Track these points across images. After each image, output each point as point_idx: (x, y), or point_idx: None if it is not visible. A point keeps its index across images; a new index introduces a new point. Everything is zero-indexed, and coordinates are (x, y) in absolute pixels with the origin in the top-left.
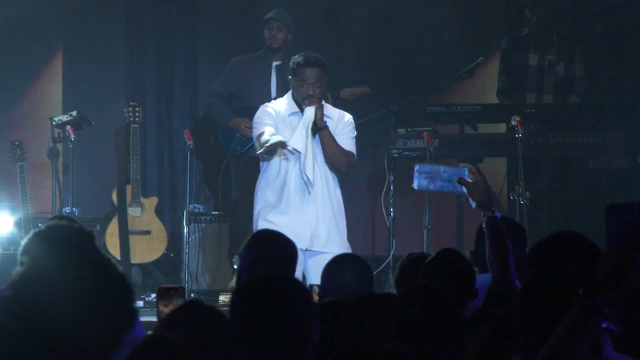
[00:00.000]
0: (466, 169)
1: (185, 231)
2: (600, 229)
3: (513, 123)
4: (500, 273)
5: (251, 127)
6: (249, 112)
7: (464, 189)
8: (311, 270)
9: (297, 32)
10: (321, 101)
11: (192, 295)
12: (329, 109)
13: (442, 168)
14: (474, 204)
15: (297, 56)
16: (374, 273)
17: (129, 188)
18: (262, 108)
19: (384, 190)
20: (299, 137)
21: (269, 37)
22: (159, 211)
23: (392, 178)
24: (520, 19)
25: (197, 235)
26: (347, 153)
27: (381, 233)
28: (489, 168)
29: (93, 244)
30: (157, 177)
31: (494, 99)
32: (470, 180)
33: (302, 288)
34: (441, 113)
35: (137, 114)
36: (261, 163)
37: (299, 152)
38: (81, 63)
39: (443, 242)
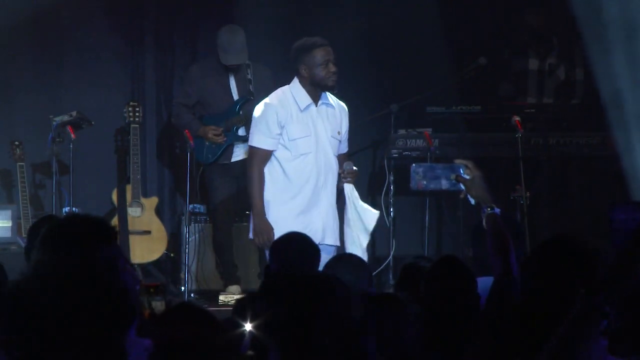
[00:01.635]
0: (462, 166)
1: (185, 231)
2: (600, 229)
3: (513, 123)
4: (502, 270)
5: (219, 134)
6: (215, 119)
7: (462, 186)
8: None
9: (295, 30)
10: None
11: (192, 295)
12: (329, 97)
13: (438, 166)
14: (472, 201)
15: (303, 39)
16: (374, 273)
17: (128, 188)
18: (267, 108)
19: (384, 190)
20: (355, 232)
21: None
22: (159, 211)
23: (392, 178)
24: (520, 24)
25: (197, 235)
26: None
27: (381, 233)
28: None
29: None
30: (157, 177)
31: (494, 100)
32: (467, 177)
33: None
34: (441, 113)
35: (137, 114)
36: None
37: None
38: (81, 63)
39: (443, 242)
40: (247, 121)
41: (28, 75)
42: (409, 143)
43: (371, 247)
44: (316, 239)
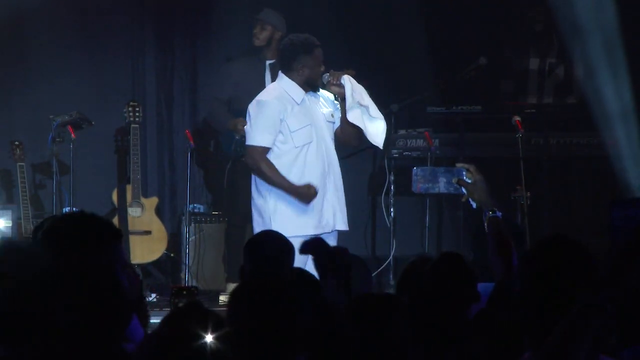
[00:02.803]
0: (464, 169)
1: (185, 231)
2: (600, 228)
3: (513, 123)
4: (504, 274)
5: None
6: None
7: (464, 190)
8: None
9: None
10: None
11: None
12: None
13: (440, 170)
14: (474, 204)
15: (301, 37)
16: (374, 274)
17: (129, 188)
18: (263, 104)
19: (384, 190)
20: (372, 105)
21: (253, 35)
22: (159, 211)
23: (392, 178)
24: (520, 23)
25: (197, 235)
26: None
27: (381, 233)
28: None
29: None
30: (158, 177)
31: (494, 100)
32: (469, 181)
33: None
34: (441, 113)
35: (137, 114)
36: (273, 152)
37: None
38: (81, 63)
39: (443, 242)
40: None
41: (28, 75)
42: (409, 143)
43: (371, 247)
44: (329, 226)
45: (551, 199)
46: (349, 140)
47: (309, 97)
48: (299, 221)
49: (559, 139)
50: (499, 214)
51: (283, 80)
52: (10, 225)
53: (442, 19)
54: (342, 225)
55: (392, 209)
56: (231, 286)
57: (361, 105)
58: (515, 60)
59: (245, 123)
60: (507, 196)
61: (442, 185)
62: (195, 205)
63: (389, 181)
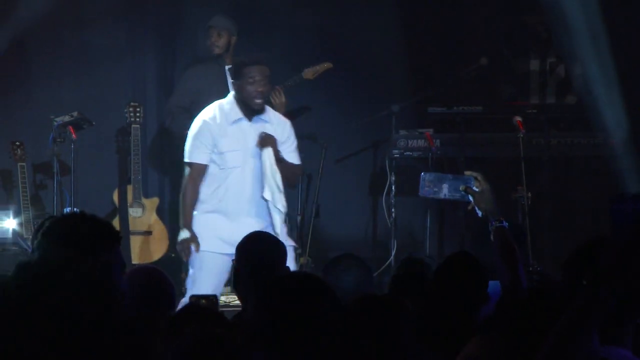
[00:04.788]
0: (472, 178)
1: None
2: (602, 228)
3: (514, 123)
4: (511, 282)
5: None
6: None
7: (470, 198)
8: None
9: (297, 33)
10: (266, 98)
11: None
12: (269, 113)
13: (448, 176)
14: (480, 213)
15: (241, 57)
16: (375, 274)
17: (130, 188)
18: (200, 123)
19: (385, 190)
20: (269, 186)
21: (209, 44)
22: (160, 212)
23: (393, 179)
24: (519, 24)
25: None
26: (297, 169)
27: (382, 234)
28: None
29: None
30: (158, 178)
31: (495, 100)
32: (477, 189)
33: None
34: (443, 114)
35: (138, 114)
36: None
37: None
38: (82, 63)
39: (444, 243)
40: None
41: (29, 75)
42: (410, 143)
43: (372, 247)
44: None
45: (552, 199)
46: (287, 183)
47: (254, 124)
48: (213, 238)
49: (559, 139)
50: (505, 223)
51: (227, 99)
52: (10, 226)
53: (444, 19)
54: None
55: (392, 210)
56: (228, 288)
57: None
58: (515, 61)
59: None
60: (508, 196)
61: (449, 192)
62: None
63: (390, 181)
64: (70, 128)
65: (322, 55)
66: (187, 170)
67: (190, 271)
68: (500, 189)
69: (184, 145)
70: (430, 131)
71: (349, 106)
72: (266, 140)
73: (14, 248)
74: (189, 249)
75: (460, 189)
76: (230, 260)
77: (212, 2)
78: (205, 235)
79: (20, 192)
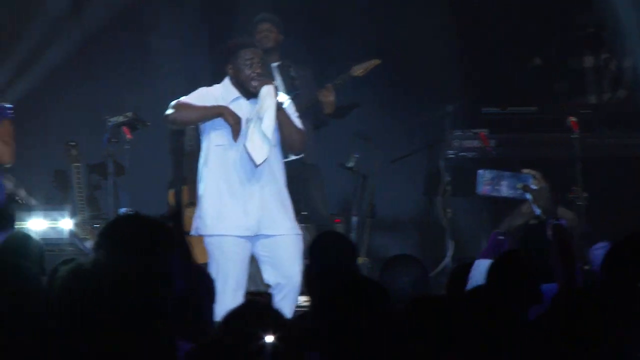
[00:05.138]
0: (530, 176)
1: None
2: None
3: (568, 124)
4: (567, 279)
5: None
6: None
7: (528, 196)
8: (265, 259)
9: (349, 33)
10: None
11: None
12: None
13: (505, 174)
14: (538, 211)
15: (234, 39)
16: (431, 274)
17: (185, 189)
18: (203, 89)
19: (440, 191)
20: (269, 122)
21: (259, 38)
22: None
23: (448, 179)
24: (571, 22)
25: None
26: (301, 131)
27: (438, 234)
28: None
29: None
30: None
31: (549, 100)
32: (535, 187)
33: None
34: (497, 114)
35: None
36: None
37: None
38: (137, 63)
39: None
40: (298, 117)
41: (84, 76)
42: (465, 144)
43: (428, 248)
44: (250, 230)
45: (608, 200)
46: (289, 145)
47: (249, 102)
48: (219, 221)
49: (615, 139)
50: (563, 221)
51: (223, 82)
52: (77, 226)
53: (497, 19)
54: (272, 230)
55: (448, 210)
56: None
57: (258, 117)
58: (570, 59)
59: None
60: (563, 197)
61: (506, 190)
62: None
63: (445, 182)
64: (125, 128)
65: (375, 55)
66: (169, 112)
67: (212, 263)
68: (555, 189)
69: None
70: (485, 131)
71: (403, 106)
72: (268, 83)
73: (69, 249)
74: (231, 113)
75: (518, 187)
76: (249, 245)
77: (263, 2)
78: (218, 218)
79: (76, 192)
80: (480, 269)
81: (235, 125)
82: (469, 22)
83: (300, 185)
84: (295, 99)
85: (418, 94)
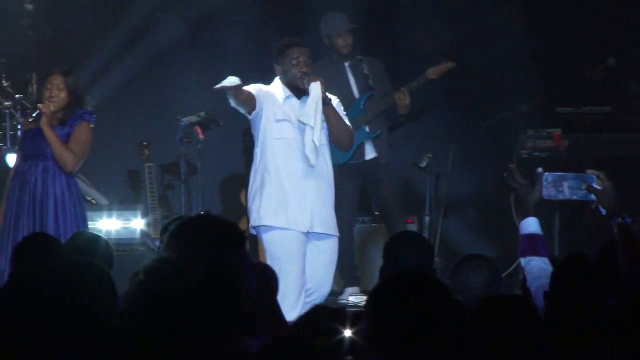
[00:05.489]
0: (594, 176)
1: None
2: None
3: None
4: (634, 278)
5: None
6: None
7: (593, 197)
8: (310, 255)
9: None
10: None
11: None
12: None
13: (569, 176)
14: (603, 211)
15: (282, 40)
16: (504, 274)
17: None
18: (257, 84)
19: (513, 191)
20: (309, 111)
21: (343, 45)
22: None
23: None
24: None
25: None
26: (349, 129)
27: (510, 234)
28: None
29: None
30: None
31: (624, 100)
32: (599, 187)
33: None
34: (571, 114)
35: None
36: (256, 149)
37: (308, 125)
38: (210, 63)
39: (573, 243)
40: (372, 118)
41: (156, 76)
42: (538, 144)
43: (500, 248)
44: (301, 226)
45: None
46: (337, 141)
47: (301, 101)
48: (280, 214)
49: None
50: (628, 220)
51: (274, 82)
52: (149, 225)
53: (570, 19)
54: (322, 228)
55: (520, 210)
56: (349, 290)
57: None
58: None
59: None
60: (637, 198)
61: (569, 191)
62: None
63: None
64: (197, 128)
65: (449, 56)
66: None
67: (271, 257)
68: (630, 190)
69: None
70: (558, 131)
71: (477, 106)
72: (316, 80)
73: (141, 248)
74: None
75: (582, 187)
76: (305, 239)
77: (334, 2)
78: (277, 211)
79: (148, 192)
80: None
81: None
82: (543, 21)
83: (374, 185)
84: (370, 99)
85: (492, 94)
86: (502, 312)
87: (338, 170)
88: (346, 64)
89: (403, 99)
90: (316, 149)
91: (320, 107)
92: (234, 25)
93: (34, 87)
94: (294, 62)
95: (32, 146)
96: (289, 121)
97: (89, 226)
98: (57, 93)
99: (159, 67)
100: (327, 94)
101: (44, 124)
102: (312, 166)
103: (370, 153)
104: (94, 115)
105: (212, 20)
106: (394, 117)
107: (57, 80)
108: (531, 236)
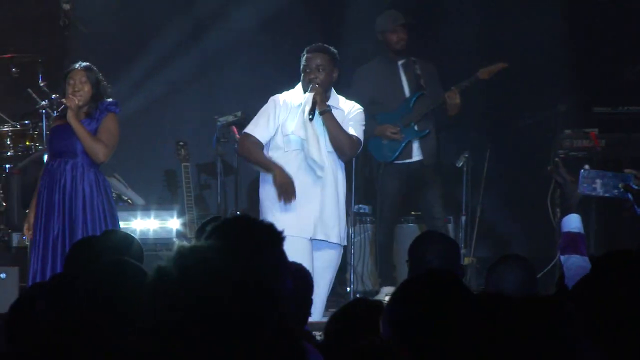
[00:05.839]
0: (631, 175)
1: (350, 232)
2: None
3: None
4: None
5: (397, 132)
6: (390, 117)
7: (630, 196)
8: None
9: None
10: (326, 87)
11: (357, 295)
12: (341, 101)
13: (607, 174)
14: (639, 210)
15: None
16: (539, 275)
17: None
18: (272, 98)
19: (550, 190)
20: (300, 123)
21: (396, 40)
22: None
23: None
24: None
25: (362, 236)
26: (351, 137)
27: (547, 234)
28: None
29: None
30: None
31: None
32: (636, 187)
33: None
34: (608, 114)
35: None
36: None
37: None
38: (245, 63)
39: (611, 243)
40: (422, 116)
41: (193, 76)
42: (575, 143)
43: (537, 248)
44: (304, 232)
45: None
46: (336, 149)
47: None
48: (292, 222)
49: None
50: None
51: (297, 85)
52: (174, 225)
53: (608, 19)
54: (324, 236)
55: (558, 210)
56: (385, 289)
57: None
58: None
59: (393, 129)
60: None
61: (608, 190)
62: (360, 205)
63: (555, 181)
64: (234, 128)
65: (488, 56)
66: (241, 140)
67: None
68: None
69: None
70: (595, 131)
71: (515, 106)
72: (313, 90)
73: None
74: (288, 183)
75: (620, 186)
76: (310, 246)
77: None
78: (289, 219)
79: (185, 192)
80: (569, 265)
81: (279, 188)
82: (581, 22)
83: (420, 187)
84: (420, 99)
85: (530, 94)
86: (536, 312)
87: (384, 168)
88: (399, 62)
89: (454, 98)
90: (318, 160)
91: (307, 118)
92: (279, 30)
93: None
94: (306, 69)
95: (60, 143)
96: (295, 133)
97: (125, 226)
98: (80, 87)
99: (197, 68)
100: (332, 108)
101: (71, 117)
102: (319, 176)
103: (417, 154)
104: (119, 106)
105: (258, 25)
106: (443, 118)
107: (79, 75)
108: (573, 234)
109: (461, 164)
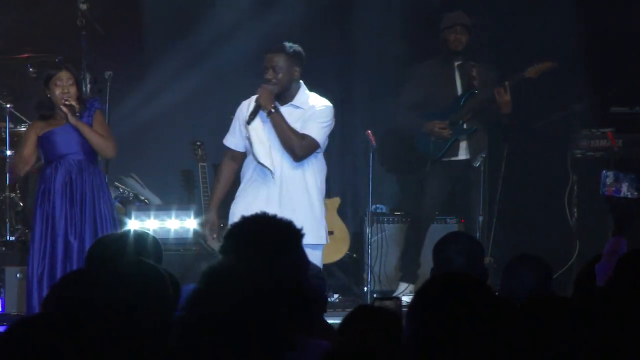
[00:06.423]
0: None
1: (367, 232)
2: None
3: None
4: None
5: (445, 128)
6: (440, 114)
7: None
8: None
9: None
10: (284, 86)
11: (374, 295)
12: (311, 98)
13: (630, 176)
14: None
15: None
16: (555, 275)
17: None
18: (237, 112)
19: (567, 190)
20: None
21: (453, 40)
22: (341, 212)
23: (575, 178)
24: None
25: (379, 235)
26: (302, 136)
27: (564, 234)
28: None
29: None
30: (340, 178)
31: None
32: None
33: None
34: (625, 113)
35: None
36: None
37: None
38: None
39: (630, 243)
40: (471, 114)
41: (209, 75)
42: (592, 143)
43: (554, 248)
44: None
45: None
46: (286, 149)
47: (285, 108)
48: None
49: None
50: None
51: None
52: (202, 225)
53: (625, 18)
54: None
55: (575, 210)
56: (402, 285)
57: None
58: None
59: (441, 125)
60: None
61: (629, 191)
62: (377, 205)
63: (572, 181)
64: None
65: (503, 57)
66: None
67: None
68: None
69: (415, 140)
70: (612, 131)
71: (532, 105)
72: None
73: (194, 248)
74: (209, 231)
75: None
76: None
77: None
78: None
79: (202, 192)
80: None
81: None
82: (598, 21)
83: (463, 186)
84: (470, 98)
85: (547, 94)
86: (550, 312)
87: (430, 167)
88: (456, 64)
89: (503, 94)
90: (265, 162)
91: (252, 118)
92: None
93: (87, 88)
94: (264, 69)
95: (60, 146)
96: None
97: (140, 226)
98: (69, 89)
99: (214, 70)
100: (291, 108)
101: (75, 120)
102: (273, 179)
103: (463, 153)
104: (97, 102)
105: (274, 33)
106: (494, 117)
107: (66, 76)
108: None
109: (478, 163)
